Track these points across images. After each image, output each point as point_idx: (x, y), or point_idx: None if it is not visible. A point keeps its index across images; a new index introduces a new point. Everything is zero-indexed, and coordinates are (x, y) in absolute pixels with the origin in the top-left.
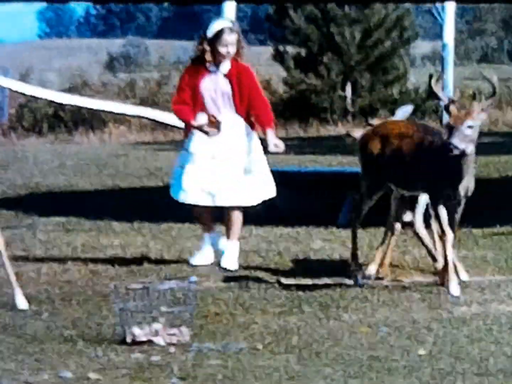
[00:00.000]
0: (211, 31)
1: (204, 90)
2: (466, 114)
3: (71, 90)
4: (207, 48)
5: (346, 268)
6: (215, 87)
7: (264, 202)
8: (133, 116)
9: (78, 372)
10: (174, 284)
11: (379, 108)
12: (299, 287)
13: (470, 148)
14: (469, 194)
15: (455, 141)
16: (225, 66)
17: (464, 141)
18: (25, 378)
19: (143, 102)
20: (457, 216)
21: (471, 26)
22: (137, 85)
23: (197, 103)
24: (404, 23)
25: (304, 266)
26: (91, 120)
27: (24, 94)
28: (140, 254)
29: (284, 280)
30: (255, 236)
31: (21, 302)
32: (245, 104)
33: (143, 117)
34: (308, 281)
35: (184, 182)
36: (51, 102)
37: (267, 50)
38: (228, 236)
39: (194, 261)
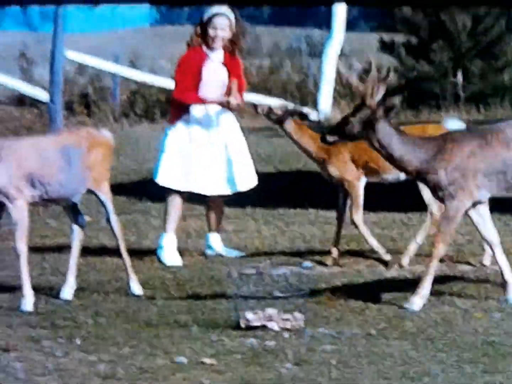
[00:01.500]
0: (206, 15)
1: (205, 77)
2: None
3: None
4: (198, 31)
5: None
6: (214, 74)
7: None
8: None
9: (192, 357)
10: (287, 269)
11: (491, 94)
12: (413, 272)
13: None
14: None
15: None
16: (220, 54)
17: None
18: (140, 363)
19: (255, 89)
20: None
21: None
22: (248, 72)
23: (196, 88)
24: None
25: (417, 252)
26: None
27: (135, 81)
28: (253, 239)
29: (400, 265)
30: (369, 222)
31: (136, 288)
32: None
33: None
34: (422, 268)
35: (164, 165)
36: (163, 89)
37: (378, 37)
38: (213, 227)
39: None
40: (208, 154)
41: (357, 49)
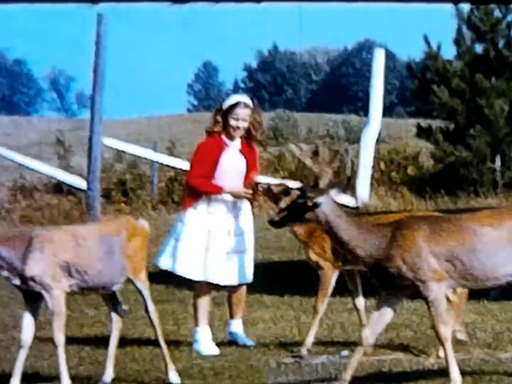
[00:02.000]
0: (226, 104)
1: (223, 165)
2: None
3: None
4: (219, 119)
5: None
6: (233, 162)
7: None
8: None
9: None
10: (325, 358)
11: None
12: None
13: None
14: None
15: None
16: (238, 142)
17: None
18: None
19: (292, 176)
20: None
21: None
22: (286, 158)
23: (212, 177)
24: None
25: (456, 340)
26: None
27: (173, 168)
28: (291, 327)
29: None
30: (407, 310)
31: (174, 378)
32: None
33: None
34: (460, 356)
35: (182, 255)
36: None
37: (416, 123)
38: (234, 315)
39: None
40: (224, 243)
41: (394, 135)
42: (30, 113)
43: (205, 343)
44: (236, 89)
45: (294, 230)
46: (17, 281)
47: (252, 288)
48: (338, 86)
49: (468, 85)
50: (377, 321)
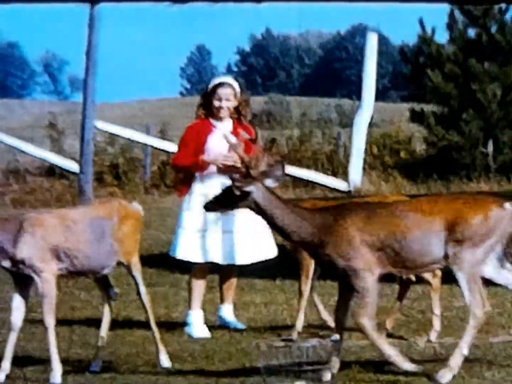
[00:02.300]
0: (209, 86)
1: (211, 147)
2: None
3: None
4: (202, 101)
5: None
6: (222, 144)
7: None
8: None
9: None
10: (316, 342)
11: None
12: (442, 345)
13: None
14: None
15: None
16: (228, 124)
17: None
18: None
19: (284, 159)
20: None
21: None
22: (279, 142)
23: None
24: None
25: (447, 324)
26: None
27: (166, 151)
28: (282, 311)
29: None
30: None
31: (165, 360)
32: None
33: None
34: (451, 340)
35: (183, 240)
36: None
37: (409, 107)
38: (225, 299)
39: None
40: (220, 224)
41: (387, 119)
42: (23, 96)
43: (198, 326)
44: (229, 73)
45: None
46: (7, 264)
47: (243, 271)
48: (331, 70)
49: (461, 70)
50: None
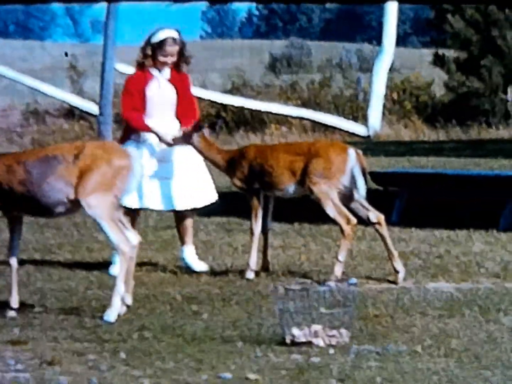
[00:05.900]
0: (155, 39)
1: (150, 95)
2: None
3: (232, 91)
4: (149, 53)
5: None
6: (160, 92)
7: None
8: (295, 118)
9: (237, 372)
10: (333, 285)
11: None
12: (459, 290)
13: None
14: None
15: None
16: (167, 72)
17: None
18: (185, 378)
19: (305, 104)
20: None
21: None
22: (299, 86)
23: (144, 108)
24: None
25: (464, 270)
26: (253, 121)
27: None
28: (300, 255)
29: (443, 283)
30: (416, 239)
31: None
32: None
33: (304, 119)
34: (468, 285)
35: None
36: (213, 103)
37: (430, 53)
38: (185, 242)
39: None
40: (157, 170)
41: (408, 65)
42: (44, 38)
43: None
44: (249, 17)
45: (216, 162)
46: None
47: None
48: (352, 14)
49: (482, 16)
50: None
